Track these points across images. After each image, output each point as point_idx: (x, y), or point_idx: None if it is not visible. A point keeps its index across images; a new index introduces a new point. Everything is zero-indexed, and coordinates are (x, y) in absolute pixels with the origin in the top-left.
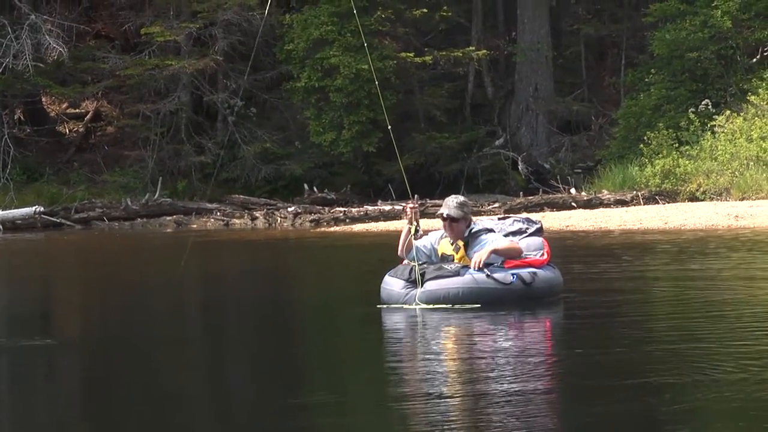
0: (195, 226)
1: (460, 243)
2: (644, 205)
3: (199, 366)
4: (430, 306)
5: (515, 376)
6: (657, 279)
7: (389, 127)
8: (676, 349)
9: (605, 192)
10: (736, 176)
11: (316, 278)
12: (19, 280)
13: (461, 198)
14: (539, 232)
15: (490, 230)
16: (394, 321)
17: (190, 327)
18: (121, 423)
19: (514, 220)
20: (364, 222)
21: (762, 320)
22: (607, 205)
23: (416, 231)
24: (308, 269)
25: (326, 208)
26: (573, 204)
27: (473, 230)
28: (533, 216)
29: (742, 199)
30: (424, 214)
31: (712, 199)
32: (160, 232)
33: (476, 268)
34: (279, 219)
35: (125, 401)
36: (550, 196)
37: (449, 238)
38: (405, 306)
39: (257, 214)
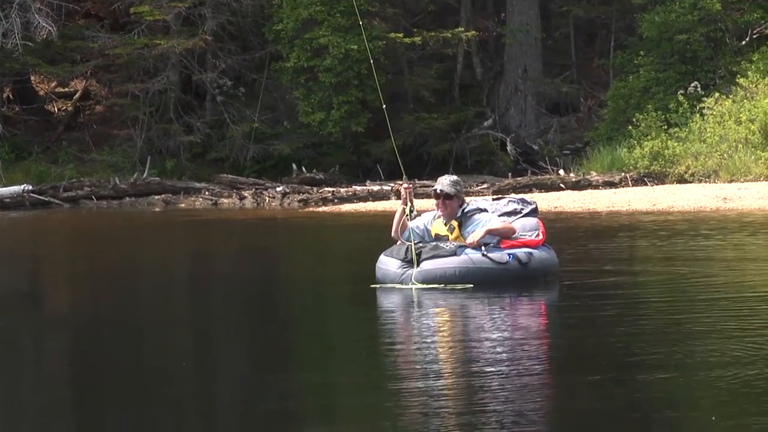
0: (183, 205)
1: (455, 223)
2: (633, 186)
3: (189, 345)
4: (424, 286)
5: (510, 359)
6: (646, 260)
7: (384, 106)
8: (667, 332)
9: (594, 173)
10: (725, 158)
11: (307, 258)
12: (7, 258)
13: (454, 177)
14: (534, 212)
15: (484, 210)
16: (388, 301)
17: (180, 306)
18: (109, 402)
19: (509, 201)
20: (353, 202)
21: (753, 300)
22: (596, 187)
23: (411, 211)
24: (299, 249)
25: (315, 188)
26: (561, 185)
27: (466, 210)
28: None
29: (731, 181)
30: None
31: (700, 181)
32: (148, 211)
33: (472, 247)
34: (267, 199)
35: (113, 378)
36: (539, 177)
37: (442, 218)
38: (399, 286)
39: (246, 194)
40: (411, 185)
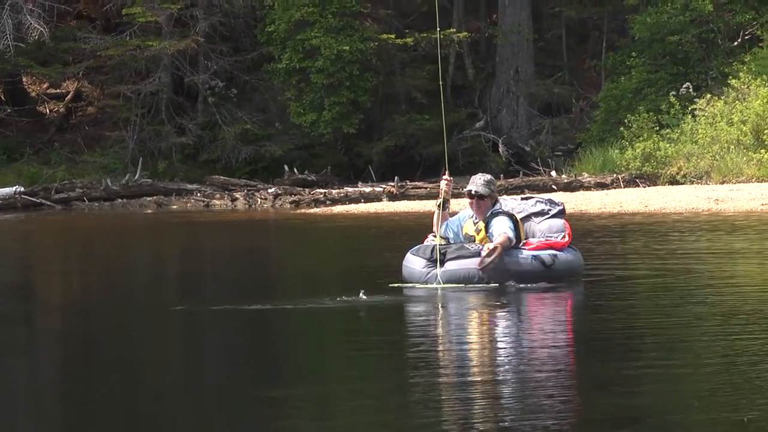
0: (175, 207)
1: (482, 225)
2: (624, 188)
3: (187, 354)
4: (448, 286)
5: (532, 364)
6: (639, 261)
7: (440, 83)
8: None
9: (585, 175)
10: (717, 160)
11: (311, 258)
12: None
13: (488, 176)
14: (561, 214)
15: (502, 213)
16: (414, 302)
17: (177, 307)
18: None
19: (537, 201)
20: (344, 203)
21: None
22: (588, 188)
23: (444, 204)
24: (300, 249)
25: (306, 190)
26: (553, 187)
27: (493, 211)
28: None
29: (723, 182)
30: (405, 196)
31: (692, 183)
32: (140, 213)
33: (479, 268)
34: (259, 200)
35: (99, 395)
36: (531, 178)
37: (474, 218)
38: (419, 286)
39: (237, 195)
40: (451, 179)
